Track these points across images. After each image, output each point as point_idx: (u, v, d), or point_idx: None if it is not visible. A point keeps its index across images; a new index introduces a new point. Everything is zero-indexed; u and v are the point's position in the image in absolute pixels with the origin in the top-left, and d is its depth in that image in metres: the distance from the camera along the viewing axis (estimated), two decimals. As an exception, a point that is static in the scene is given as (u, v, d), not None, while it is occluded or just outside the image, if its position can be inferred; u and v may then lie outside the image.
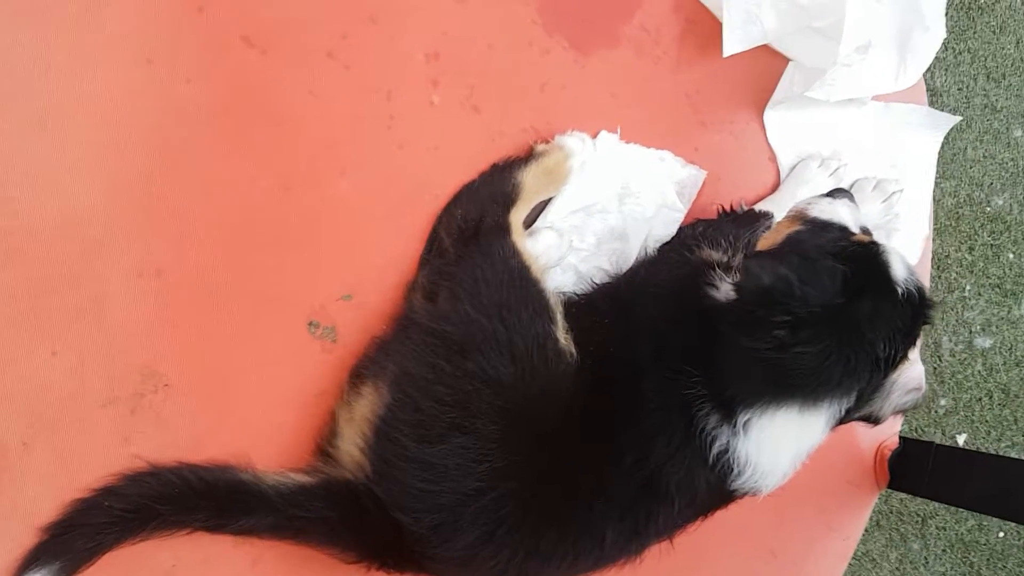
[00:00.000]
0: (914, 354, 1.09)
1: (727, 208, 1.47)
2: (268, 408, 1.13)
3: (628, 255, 1.43)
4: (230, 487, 1.07)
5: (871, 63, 1.43)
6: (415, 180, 1.20)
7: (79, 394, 0.98)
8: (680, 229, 1.45)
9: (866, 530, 2.00)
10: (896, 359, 1.06)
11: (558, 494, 1.11)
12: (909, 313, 1.07)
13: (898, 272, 1.07)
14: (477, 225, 1.24)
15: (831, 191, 1.26)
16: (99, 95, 0.93)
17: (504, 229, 1.24)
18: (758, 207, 1.50)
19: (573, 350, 1.19)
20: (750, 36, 1.33)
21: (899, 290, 1.06)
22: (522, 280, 1.21)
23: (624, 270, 1.40)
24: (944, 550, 2.58)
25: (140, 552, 1.00)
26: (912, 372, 1.10)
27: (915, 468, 1.74)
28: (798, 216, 1.21)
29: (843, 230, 1.16)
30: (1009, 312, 2.38)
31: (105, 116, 0.93)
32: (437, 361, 1.13)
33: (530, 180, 1.27)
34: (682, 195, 1.46)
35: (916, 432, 2.20)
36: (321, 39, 1.07)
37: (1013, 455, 2.38)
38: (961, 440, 2.29)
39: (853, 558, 1.94)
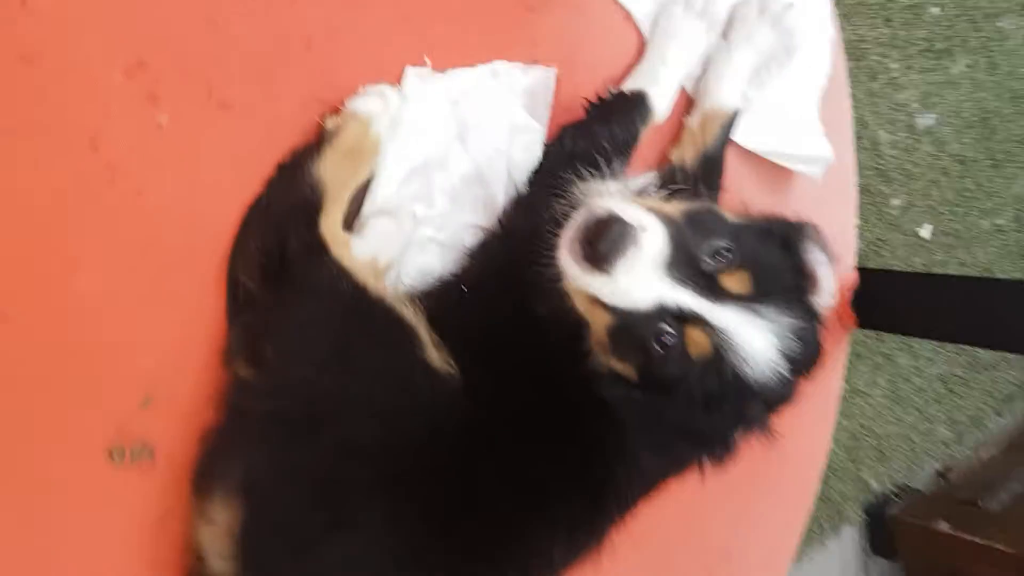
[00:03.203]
0: None
1: (595, 99, 1.21)
2: (103, 552, 0.91)
3: (494, 198, 1.17)
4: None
5: None
6: (178, 227, 0.91)
7: None
8: (546, 148, 1.18)
9: (848, 366, 1.85)
10: None
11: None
12: None
13: None
14: (282, 253, 0.96)
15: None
16: None
17: (318, 246, 0.96)
18: (628, 87, 1.23)
19: (452, 364, 0.96)
20: None
21: None
22: (360, 305, 0.95)
23: (495, 217, 1.16)
24: (936, 350, 2.45)
25: None
26: None
27: (879, 303, 1.55)
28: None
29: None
30: (947, 73, 2.08)
31: None
32: (286, 450, 0.90)
33: (330, 171, 0.98)
34: (534, 108, 1.18)
35: (877, 241, 1.98)
36: None
37: (984, 224, 2.17)
38: (927, 232, 2.08)
39: (842, 399, 1.80)
